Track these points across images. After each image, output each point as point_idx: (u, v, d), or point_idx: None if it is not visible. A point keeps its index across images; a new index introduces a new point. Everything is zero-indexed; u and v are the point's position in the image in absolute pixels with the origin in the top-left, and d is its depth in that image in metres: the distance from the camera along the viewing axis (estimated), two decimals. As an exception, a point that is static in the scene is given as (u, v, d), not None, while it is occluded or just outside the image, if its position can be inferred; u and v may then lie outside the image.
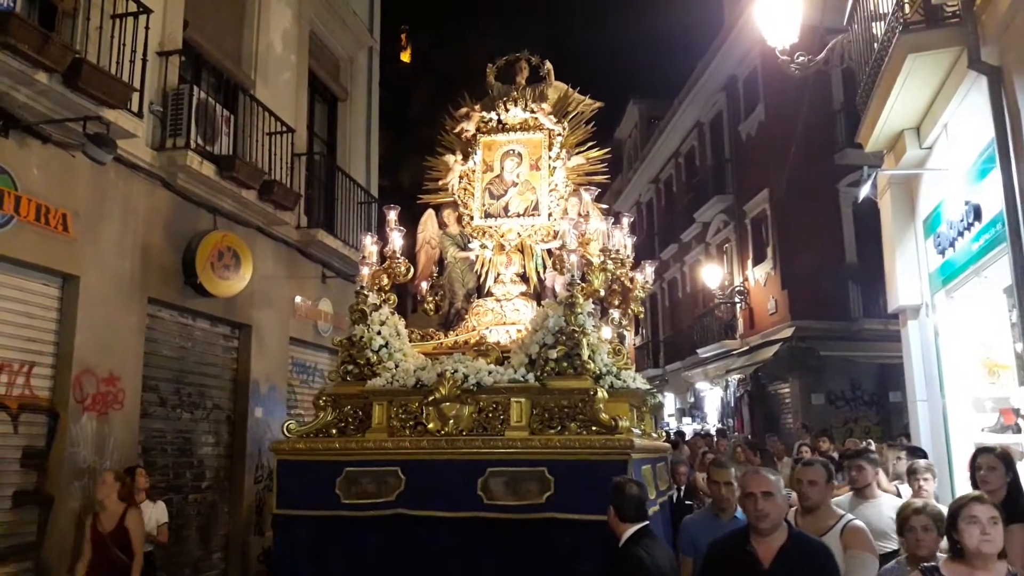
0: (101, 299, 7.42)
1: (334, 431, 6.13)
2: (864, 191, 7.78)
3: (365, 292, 6.53)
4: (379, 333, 6.37)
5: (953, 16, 6.01)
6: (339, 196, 12.01)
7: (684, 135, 25.25)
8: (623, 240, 7.05)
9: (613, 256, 6.74)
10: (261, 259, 9.80)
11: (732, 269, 21.29)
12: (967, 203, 6.36)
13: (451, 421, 5.75)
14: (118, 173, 7.70)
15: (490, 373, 5.82)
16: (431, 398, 5.74)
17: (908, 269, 7.86)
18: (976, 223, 6.24)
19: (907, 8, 6.03)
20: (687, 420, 24.06)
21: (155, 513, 6.88)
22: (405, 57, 26.55)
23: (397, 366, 6.23)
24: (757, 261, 19.53)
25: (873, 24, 7.10)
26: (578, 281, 6.15)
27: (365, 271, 6.68)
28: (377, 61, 14.37)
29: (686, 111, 24.44)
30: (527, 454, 5.45)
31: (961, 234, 6.56)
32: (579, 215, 7.13)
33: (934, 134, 7.09)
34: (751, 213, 19.65)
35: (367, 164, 13.67)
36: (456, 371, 5.80)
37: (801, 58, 7.12)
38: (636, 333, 29.95)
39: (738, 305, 20.49)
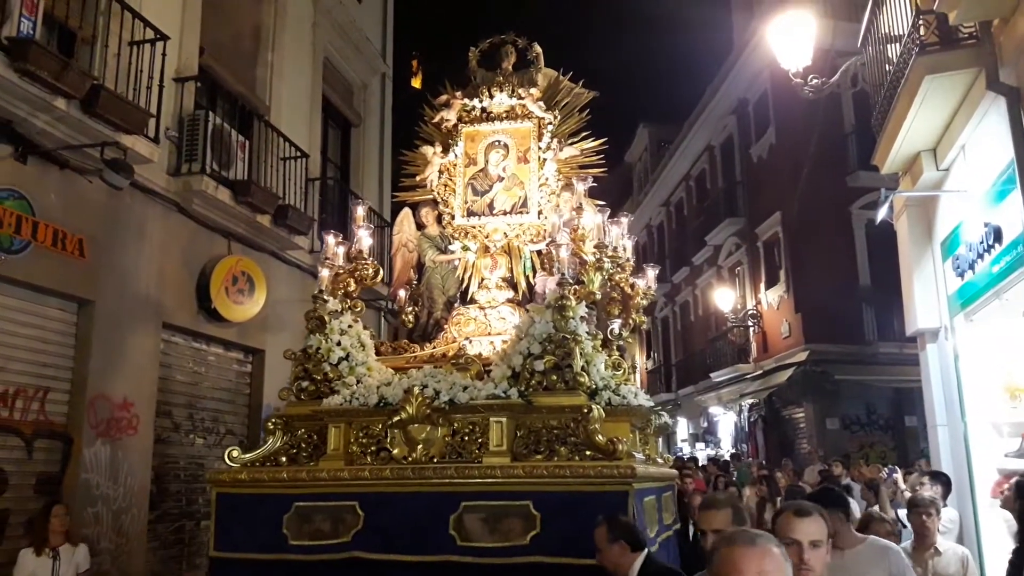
0: (116, 324, 7.43)
1: (284, 459, 5.25)
2: (881, 213, 7.72)
3: (324, 297, 5.69)
4: (339, 344, 5.56)
5: (969, 38, 5.99)
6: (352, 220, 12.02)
7: (695, 158, 25.28)
8: (622, 240, 6.39)
9: (611, 254, 6.01)
10: (275, 283, 9.81)
11: (744, 292, 21.19)
12: (986, 225, 6.30)
13: (419, 446, 4.94)
14: (134, 198, 7.74)
15: (465, 389, 4.98)
16: (396, 419, 4.92)
17: (926, 292, 7.77)
18: (996, 245, 6.17)
19: (923, 30, 6.02)
20: (700, 445, 23.84)
21: (76, 558, 5.95)
22: (416, 83, 26.78)
23: (359, 382, 5.38)
24: (770, 284, 19.42)
25: (888, 46, 7.09)
26: (570, 281, 5.36)
27: (325, 273, 5.87)
28: (390, 87, 14.51)
29: (696, 134, 24.50)
30: (509, 485, 4.68)
31: (980, 256, 6.49)
32: (572, 209, 6.40)
33: (951, 156, 7.04)
34: (763, 236, 19.59)
35: (380, 189, 13.76)
36: (426, 387, 4.96)
37: (815, 80, 7.11)
38: (648, 356, 29.80)
39: (751, 329, 20.37)
